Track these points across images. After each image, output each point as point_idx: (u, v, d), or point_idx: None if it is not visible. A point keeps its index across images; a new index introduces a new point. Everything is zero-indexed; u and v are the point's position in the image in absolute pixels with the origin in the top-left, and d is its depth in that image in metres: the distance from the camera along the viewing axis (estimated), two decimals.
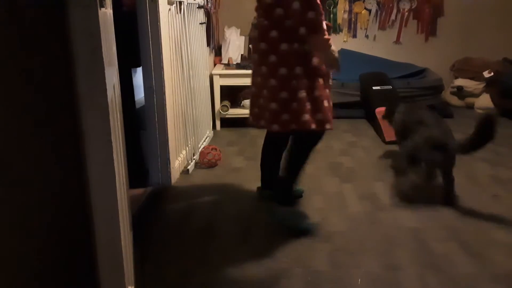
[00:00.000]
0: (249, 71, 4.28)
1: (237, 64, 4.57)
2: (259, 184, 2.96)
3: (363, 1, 5.21)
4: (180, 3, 3.14)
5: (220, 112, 4.37)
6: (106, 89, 1.16)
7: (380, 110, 4.20)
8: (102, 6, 1.17)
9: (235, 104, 4.54)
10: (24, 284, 1.22)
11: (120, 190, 1.31)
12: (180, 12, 3.15)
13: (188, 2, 3.30)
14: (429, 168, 2.72)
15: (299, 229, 2.36)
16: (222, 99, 4.39)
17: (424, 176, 2.74)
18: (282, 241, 2.29)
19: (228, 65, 4.59)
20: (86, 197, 1.24)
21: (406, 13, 5.23)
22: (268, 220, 2.52)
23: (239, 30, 4.86)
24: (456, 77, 5.19)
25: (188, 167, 3.27)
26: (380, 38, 5.32)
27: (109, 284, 1.31)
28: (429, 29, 5.27)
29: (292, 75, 2.20)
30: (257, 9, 2.30)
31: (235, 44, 4.79)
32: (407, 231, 2.37)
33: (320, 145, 3.85)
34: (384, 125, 4.02)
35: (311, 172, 3.25)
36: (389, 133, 3.91)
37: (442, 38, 5.29)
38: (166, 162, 2.98)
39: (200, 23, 3.73)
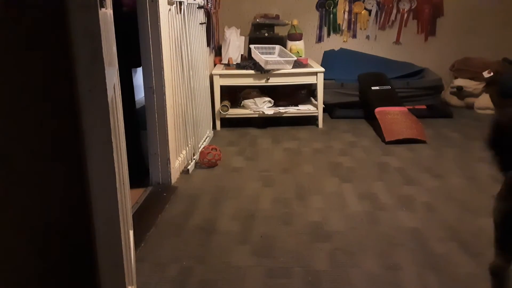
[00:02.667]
0: (249, 71, 4.33)
1: (237, 64, 4.57)
2: (258, 183, 2.96)
3: (363, 1, 5.21)
4: (180, 3, 3.14)
5: (220, 112, 4.37)
6: (106, 89, 1.16)
7: (379, 111, 4.21)
8: (102, 6, 1.17)
9: (235, 104, 4.54)
10: (24, 284, 1.22)
11: (120, 190, 1.31)
12: (180, 12, 3.16)
13: (188, 2, 3.30)
14: None
15: None
16: (222, 99, 4.39)
17: None
18: (282, 241, 2.29)
19: (228, 65, 4.59)
20: (86, 197, 1.24)
21: (406, 13, 5.23)
22: (267, 220, 2.52)
23: (239, 30, 4.87)
24: (456, 77, 5.19)
25: (188, 167, 3.27)
26: (380, 38, 5.32)
27: (109, 284, 1.31)
28: (429, 29, 5.27)
29: None
30: None
31: (235, 44, 4.80)
32: (407, 231, 2.37)
33: (320, 145, 3.88)
34: (384, 125, 4.02)
35: (311, 172, 3.25)
36: (389, 133, 3.92)
37: (442, 38, 5.29)
38: (166, 162, 2.98)
39: (200, 23, 3.73)
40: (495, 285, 1.60)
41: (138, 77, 3.36)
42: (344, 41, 5.35)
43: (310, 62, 4.68)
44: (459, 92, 5.10)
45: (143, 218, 2.53)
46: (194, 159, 3.40)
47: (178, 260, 2.13)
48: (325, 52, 5.24)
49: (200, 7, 3.70)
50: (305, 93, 4.84)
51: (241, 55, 4.86)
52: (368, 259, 2.12)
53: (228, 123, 4.44)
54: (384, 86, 4.55)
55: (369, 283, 1.95)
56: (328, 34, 5.35)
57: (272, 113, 4.35)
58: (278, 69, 4.28)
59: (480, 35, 5.23)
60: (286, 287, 1.93)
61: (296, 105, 4.56)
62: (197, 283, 1.96)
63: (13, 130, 1.14)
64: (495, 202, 1.56)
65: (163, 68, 2.84)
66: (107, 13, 1.30)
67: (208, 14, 4.03)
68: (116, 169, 1.24)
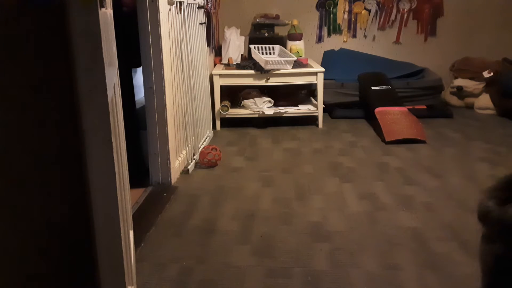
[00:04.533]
0: (249, 71, 4.33)
1: (237, 64, 4.57)
2: (258, 183, 2.95)
3: (363, 1, 5.21)
4: (180, 3, 3.14)
5: (220, 112, 4.37)
6: (106, 89, 1.17)
7: (379, 111, 4.21)
8: (102, 6, 1.17)
9: (235, 104, 4.54)
10: (24, 284, 1.22)
11: (120, 190, 1.31)
12: (180, 12, 3.16)
13: (188, 2, 3.30)
14: None
15: None
16: (222, 99, 4.39)
17: None
18: (282, 241, 2.29)
19: (228, 65, 4.59)
20: (86, 197, 1.24)
21: (406, 13, 5.23)
22: (267, 220, 2.52)
23: (239, 30, 4.86)
24: (456, 77, 5.19)
25: (188, 167, 3.27)
26: (380, 38, 5.32)
27: (109, 284, 1.31)
28: (429, 29, 5.27)
29: None
30: None
31: (235, 44, 4.79)
32: (407, 231, 2.37)
33: (320, 145, 3.88)
34: (384, 125, 4.02)
35: (311, 172, 3.25)
36: (389, 133, 3.92)
37: (442, 38, 5.29)
38: (166, 162, 2.98)
39: (200, 23, 3.73)
40: None
41: (138, 77, 3.36)
42: (344, 41, 5.35)
43: (310, 62, 4.68)
44: (459, 92, 5.10)
45: (143, 218, 2.53)
46: (194, 159, 3.40)
47: (178, 260, 2.13)
48: (325, 52, 5.24)
49: (200, 7, 3.70)
50: (305, 93, 4.84)
51: (241, 55, 4.86)
52: (368, 259, 2.12)
53: (228, 123, 4.44)
54: (384, 86, 4.55)
55: (369, 283, 1.95)
56: (328, 34, 5.35)
57: (272, 113, 4.35)
58: (278, 69, 4.28)
59: (480, 35, 5.23)
60: (286, 287, 1.93)
61: (296, 105, 4.56)
62: (197, 283, 1.96)
63: (13, 130, 1.14)
64: (482, 245, 1.37)
65: (163, 68, 2.84)
66: (107, 13, 1.30)
67: (208, 14, 4.03)
68: (116, 169, 1.24)
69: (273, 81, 4.33)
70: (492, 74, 4.85)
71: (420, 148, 3.72)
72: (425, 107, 4.71)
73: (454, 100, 5.18)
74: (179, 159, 3.22)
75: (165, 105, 2.90)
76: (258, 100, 4.43)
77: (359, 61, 5.04)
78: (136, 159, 3.00)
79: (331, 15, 5.27)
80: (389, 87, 4.56)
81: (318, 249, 2.21)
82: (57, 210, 1.24)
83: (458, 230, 2.38)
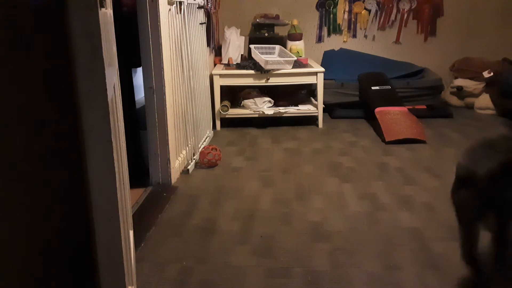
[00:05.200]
0: (249, 71, 4.33)
1: (237, 64, 4.57)
2: (258, 183, 2.94)
3: (363, 1, 5.21)
4: (180, 3, 3.14)
5: (220, 112, 4.37)
6: (106, 89, 1.17)
7: (379, 110, 4.21)
8: (102, 6, 1.17)
9: (235, 104, 4.54)
10: (24, 285, 1.22)
11: (120, 190, 1.31)
12: (180, 12, 3.16)
13: (188, 2, 3.30)
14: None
15: None
16: (222, 99, 4.39)
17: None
18: (282, 241, 2.29)
19: (228, 65, 4.59)
20: (86, 197, 1.24)
21: (406, 13, 5.23)
22: (267, 220, 2.52)
23: (239, 30, 4.87)
24: (456, 77, 5.19)
25: (188, 167, 3.27)
26: (379, 38, 5.32)
27: (109, 284, 1.31)
28: (429, 29, 5.27)
29: None
30: None
31: (235, 44, 4.80)
32: (407, 231, 2.37)
33: (320, 145, 3.88)
34: (384, 125, 4.02)
35: (311, 172, 3.25)
36: (389, 133, 3.92)
37: (442, 38, 5.29)
38: (166, 162, 2.98)
39: (200, 23, 3.73)
40: None
41: (138, 77, 3.36)
42: (344, 41, 5.35)
43: (310, 62, 4.68)
44: (459, 92, 5.10)
45: (143, 218, 2.53)
46: (194, 159, 3.40)
47: (178, 260, 2.13)
48: (325, 52, 5.24)
49: (200, 7, 3.70)
50: (305, 93, 4.84)
51: (241, 55, 4.86)
52: (368, 259, 2.12)
53: (228, 123, 4.44)
54: (384, 86, 4.55)
55: (369, 283, 1.95)
56: (328, 34, 5.35)
57: (272, 113, 4.35)
58: (278, 69, 4.28)
59: (480, 35, 5.23)
60: (286, 287, 1.93)
61: (296, 105, 4.56)
62: (197, 283, 1.96)
63: (13, 131, 1.14)
64: (452, 194, 1.62)
65: (163, 68, 2.84)
66: (107, 13, 1.30)
67: (208, 14, 4.03)
68: (116, 169, 1.24)
69: (273, 81, 4.33)
70: (492, 74, 4.85)
71: (420, 148, 3.72)
72: (425, 107, 4.71)
73: (454, 100, 5.18)
74: (179, 159, 3.22)
75: (165, 105, 2.90)
76: (258, 100, 4.43)
77: (359, 61, 5.04)
78: (136, 159, 3.00)
79: (331, 15, 5.27)
80: (389, 87, 4.56)
81: (318, 249, 2.21)
82: (57, 210, 1.24)
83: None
